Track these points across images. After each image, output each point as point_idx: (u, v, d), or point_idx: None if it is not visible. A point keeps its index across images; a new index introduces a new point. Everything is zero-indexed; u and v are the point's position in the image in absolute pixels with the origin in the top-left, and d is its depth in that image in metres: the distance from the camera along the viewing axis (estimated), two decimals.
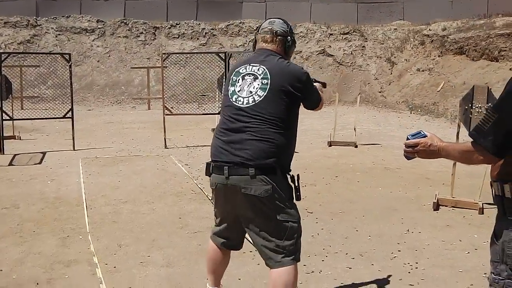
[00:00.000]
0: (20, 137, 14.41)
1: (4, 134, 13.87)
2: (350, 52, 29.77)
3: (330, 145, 13.06)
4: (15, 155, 11.90)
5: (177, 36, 30.41)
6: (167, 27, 30.66)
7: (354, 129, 13.27)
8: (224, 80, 14.75)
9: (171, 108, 18.60)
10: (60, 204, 7.91)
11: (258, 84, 3.67)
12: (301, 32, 30.84)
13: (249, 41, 28.94)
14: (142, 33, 30.01)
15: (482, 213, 7.36)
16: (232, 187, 3.57)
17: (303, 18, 31.74)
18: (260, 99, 3.62)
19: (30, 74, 21.08)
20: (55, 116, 12.94)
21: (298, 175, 3.74)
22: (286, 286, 3.57)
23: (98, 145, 13.27)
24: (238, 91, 3.71)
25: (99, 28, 29.92)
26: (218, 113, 13.41)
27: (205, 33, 30.90)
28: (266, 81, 3.65)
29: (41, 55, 20.20)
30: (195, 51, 28.93)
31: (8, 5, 30.38)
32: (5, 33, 28.57)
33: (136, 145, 13.20)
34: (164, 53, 13.60)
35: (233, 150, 3.58)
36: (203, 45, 30.33)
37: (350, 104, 21.37)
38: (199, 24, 31.21)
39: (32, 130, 15.81)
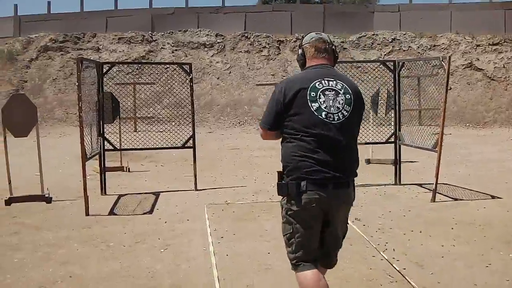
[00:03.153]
0: (129, 168, 11.64)
1: (110, 165, 11.17)
2: (502, 65, 25.75)
3: None
4: (119, 196, 9.02)
5: None
6: (292, 41, 27.73)
7: None
8: (377, 97, 11.67)
9: None
10: None
11: (342, 100, 3.70)
12: (443, 43, 27.26)
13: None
14: (265, 47, 27.24)
15: None
16: (333, 199, 3.67)
17: (442, 28, 28.15)
18: (348, 114, 3.70)
19: (144, 92, 18.57)
20: (172, 146, 9.96)
21: None
22: None
23: (226, 182, 10.23)
24: (325, 107, 3.66)
25: (218, 42, 27.44)
26: (368, 143, 10.23)
27: (335, 46, 27.60)
28: (348, 96, 3.73)
29: (156, 71, 17.69)
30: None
31: (122, 20, 28.60)
32: (119, 49, 26.60)
33: (275, 183, 9.89)
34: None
35: (337, 167, 3.62)
36: None
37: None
38: (328, 36, 27.98)
39: (145, 158, 13.07)
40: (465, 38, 27.29)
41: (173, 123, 14.00)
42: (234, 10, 29.78)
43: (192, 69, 9.59)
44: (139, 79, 22.97)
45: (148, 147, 9.99)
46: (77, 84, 7.62)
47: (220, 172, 11.36)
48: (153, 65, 21.59)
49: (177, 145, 9.80)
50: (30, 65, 26.36)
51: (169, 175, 11.07)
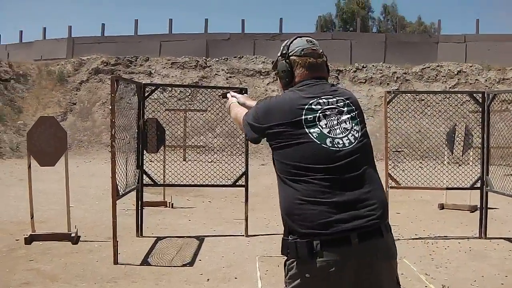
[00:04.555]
0: (172, 204, 10.38)
1: (152, 198, 9.98)
2: None
3: None
4: (157, 239, 7.72)
5: (364, 81, 26.16)
6: (351, 71, 26.52)
7: None
8: (453, 134, 10.29)
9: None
10: None
11: (349, 118, 2.84)
12: None
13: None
14: None
15: None
16: (362, 256, 2.62)
17: (511, 60, 26.41)
18: (360, 135, 2.84)
19: (196, 120, 17.46)
20: (222, 184, 8.67)
21: None
22: None
23: (281, 226, 8.83)
24: (329, 132, 2.77)
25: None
26: (451, 189, 8.77)
27: (397, 77, 26.34)
28: (354, 113, 2.88)
29: (209, 98, 16.53)
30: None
31: (176, 44, 27.86)
32: (172, 74, 25.72)
33: None
34: (389, 92, 8.96)
35: (359, 210, 2.64)
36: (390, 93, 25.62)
37: None
38: (389, 67, 26.74)
39: (192, 190, 11.76)
40: None
41: (225, 153, 12.84)
42: (292, 37, 28.61)
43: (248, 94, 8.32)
44: (191, 105, 22.05)
45: (195, 183, 8.68)
46: (110, 107, 6.39)
47: (274, 213, 9.97)
48: (207, 91, 20.55)
49: (227, 181, 8.50)
50: (80, 87, 25.74)
51: (217, 215, 9.75)
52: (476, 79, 25.60)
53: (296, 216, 2.69)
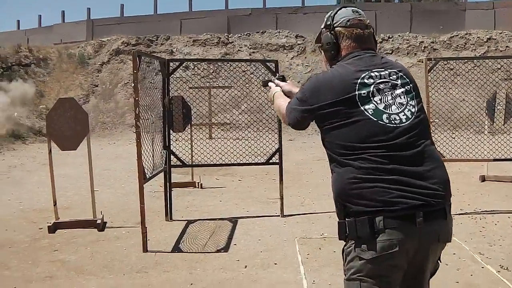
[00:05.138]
0: (201, 184, 9.94)
1: (180, 179, 9.58)
2: None
3: None
4: (188, 223, 7.28)
5: (391, 52, 25.40)
6: (378, 42, 25.61)
7: None
8: (494, 102, 9.82)
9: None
10: None
11: (403, 92, 2.65)
12: None
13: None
14: None
15: None
16: (426, 237, 2.48)
17: None
18: (416, 110, 2.65)
19: (220, 97, 17.03)
20: (255, 162, 8.22)
21: None
22: None
23: (317, 204, 8.38)
24: (384, 108, 2.58)
25: (298, 44, 25.78)
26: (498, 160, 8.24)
27: (424, 47, 25.57)
28: (408, 86, 2.69)
29: (233, 74, 15.98)
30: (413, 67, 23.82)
31: (197, 22, 27.33)
32: (194, 52, 25.21)
33: None
34: (430, 59, 8.31)
35: (422, 187, 2.46)
36: (421, 62, 24.91)
37: None
38: (416, 36, 25.99)
39: (220, 169, 11.28)
40: None
41: (251, 129, 12.42)
42: (314, 10, 28.00)
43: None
44: (215, 83, 21.60)
45: (225, 162, 8.20)
46: (133, 85, 5.92)
47: (309, 191, 9.51)
48: (231, 68, 20.10)
49: (259, 159, 8.05)
50: (102, 69, 25.33)
51: (249, 194, 9.29)
52: (507, 46, 24.75)
53: (354, 195, 2.51)
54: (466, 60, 20.46)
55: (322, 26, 2.88)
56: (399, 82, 2.69)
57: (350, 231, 2.51)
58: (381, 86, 2.65)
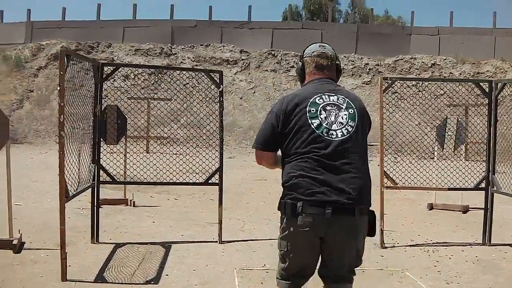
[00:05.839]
0: (134, 202, 9.23)
1: (111, 195, 8.90)
2: None
3: None
4: (116, 246, 6.56)
5: None
6: None
7: None
8: (444, 128, 9.56)
9: None
10: None
11: (346, 114, 3.43)
12: (487, 71, 24.90)
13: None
14: (293, 67, 25.11)
15: None
16: (330, 226, 3.29)
17: (485, 54, 25.96)
18: (353, 129, 3.40)
19: (160, 109, 16.33)
20: (193, 182, 7.55)
21: None
22: None
23: (258, 229, 7.82)
24: (326, 124, 3.38)
25: (242, 59, 25.33)
26: (452, 189, 7.87)
27: (369, 69, 25.47)
28: (352, 110, 3.45)
29: (174, 86, 15.26)
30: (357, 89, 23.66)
31: (140, 31, 26.61)
32: (135, 61, 24.42)
33: None
34: (386, 78, 7.81)
35: (339, 190, 3.27)
36: (366, 84, 24.85)
37: None
38: (361, 58, 25.84)
39: (156, 187, 10.54)
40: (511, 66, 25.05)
41: (189, 145, 11.81)
42: (260, 26, 27.67)
43: (213, 86, 7.28)
44: (156, 94, 20.96)
45: (160, 179, 7.55)
46: (59, 88, 5.20)
47: (249, 214, 8.93)
48: (173, 79, 19.47)
49: (198, 177, 7.42)
50: (38, 73, 24.31)
51: (185, 215, 8.63)
52: (451, 72, 24.90)
53: (289, 185, 3.32)
54: (412, 84, 20.39)
55: (299, 55, 3.72)
56: (344, 105, 3.41)
57: (281, 209, 3.37)
58: (328, 107, 3.40)
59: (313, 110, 3.37)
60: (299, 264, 3.44)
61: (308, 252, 3.39)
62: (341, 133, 3.33)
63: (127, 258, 6.09)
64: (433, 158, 10.14)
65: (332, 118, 3.36)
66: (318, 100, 3.40)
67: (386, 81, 7.50)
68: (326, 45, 3.67)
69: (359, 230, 3.35)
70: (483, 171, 7.53)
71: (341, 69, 3.73)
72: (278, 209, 3.41)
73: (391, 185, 7.22)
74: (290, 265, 3.44)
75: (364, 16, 37.70)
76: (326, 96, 3.42)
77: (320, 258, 3.45)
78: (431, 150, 11.72)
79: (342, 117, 3.37)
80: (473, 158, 10.71)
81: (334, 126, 3.34)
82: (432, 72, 25.15)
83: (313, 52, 3.58)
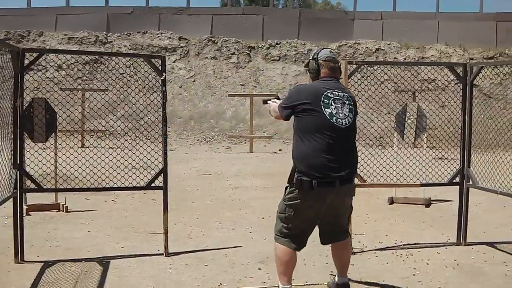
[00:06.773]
0: (67, 207, 8.23)
1: (41, 201, 7.96)
2: (499, 82, 23.01)
3: None
4: (44, 265, 5.59)
5: (278, 59, 24.44)
6: (264, 48, 24.72)
7: None
8: (404, 116, 8.95)
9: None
10: None
11: (347, 109, 4.48)
12: (432, 56, 24.55)
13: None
14: (234, 54, 24.22)
15: None
16: (338, 193, 4.42)
17: (429, 39, 25.66)
18: (352, 121, 4.50)
19: (95, 100, 15.29)
20: (133, 186, 6.50)
21: None
22: None
23: (208, 235, 6.97)
24: (336, 113, 4.38)
25: (181, 47, 24.30)
26: (425, 185, 7.20)
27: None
28: (351, 106, 4.54)
29: (111, 76, 14.23)
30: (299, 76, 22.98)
31: (73, 18, 25.31)
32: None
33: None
34: (351, 62, 6.89)
35: (343, 166, 4.36)
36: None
37: None
38: (304, 44, 25.19)
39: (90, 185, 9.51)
40: (456, 51, 24.75)
41: (128, 137, 10.89)
42: (199, 12, 26.68)
43: (151, 76, 6.37)
44: (90, 85, 19.86)
45: (98, 181, 6.55)
46: None
47: (196, 216, 8.06)
48: (109, 68, 18.38)
49: (138, 173, 6.42)
50: None
51: (125, 221, 7.68)
52: (395, 57, 24.43)
53: (303, 162, 4.33)
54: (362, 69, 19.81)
55: (310, 57, 4.67)
56: (347, 102, 4.49)
57: (297, 184, 4.33)
58: (337, 101, 4.43)
59: (326, 101, 4.36)
60: (299, 228, 4.43)
61: (312, 220, 4.47)
62: (345, 122, 4.39)
63: (57, 281, 5.11)
64: (393, 147, 9.41)
65: (339, 110, 4.39)
66: (330, 94, 4.41)
67: (351, 65, 6.69)
68: (333, 50, 4.84)
69: (351, 190, 4.58)
70: (453, 160, 6.88)
71: (341, 70, 4.81)
72: (288, 182, 4.42)
73: (359, 182, 6.33)
74: (292, 226, 4.42)
75: (304, 2, 37.14)
76: (336, 92, 4.45)
77: (319, 227, 4.61)
78: (385, 139, 11.03)
79: (345, 110, 4.43)
80: (435, 146, 9.94)
81: (341, 116, 4.38)
82: (376, 57, 24.63)
83: (326, 56, 4.58)
